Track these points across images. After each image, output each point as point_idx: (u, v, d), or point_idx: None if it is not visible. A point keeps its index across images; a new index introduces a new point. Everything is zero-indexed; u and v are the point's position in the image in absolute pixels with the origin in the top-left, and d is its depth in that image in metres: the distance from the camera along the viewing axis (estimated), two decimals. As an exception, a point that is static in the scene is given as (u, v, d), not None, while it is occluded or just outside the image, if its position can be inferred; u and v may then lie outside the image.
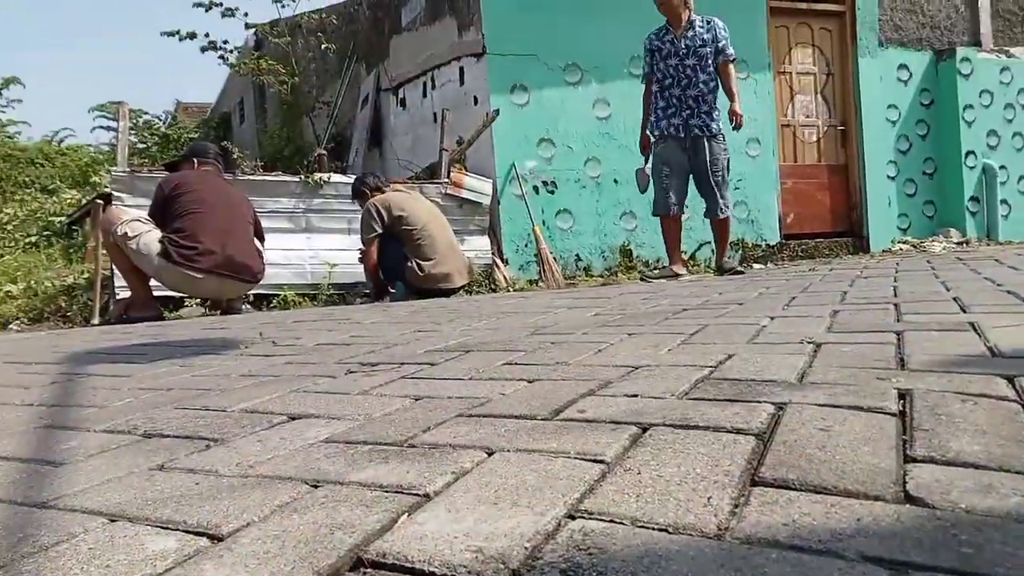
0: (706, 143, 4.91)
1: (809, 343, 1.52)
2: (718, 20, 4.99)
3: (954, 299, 2.15)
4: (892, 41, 7.57)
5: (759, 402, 1.04)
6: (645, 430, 0.95)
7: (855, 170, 7.50)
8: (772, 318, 1.99)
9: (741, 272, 5.05)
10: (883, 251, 7.27)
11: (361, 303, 4.97)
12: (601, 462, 0.84)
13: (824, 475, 0.75)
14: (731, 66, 4.96)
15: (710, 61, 4.92)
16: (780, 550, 0.59)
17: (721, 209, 4.98)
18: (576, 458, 0.86)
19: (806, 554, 0.58)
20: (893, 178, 7.59)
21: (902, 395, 1.03)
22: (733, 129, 4.98)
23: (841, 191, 7.55)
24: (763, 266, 6.62)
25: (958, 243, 7.25)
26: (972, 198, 7.63)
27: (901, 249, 7.22)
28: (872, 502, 0.68)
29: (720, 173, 4.96)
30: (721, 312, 2.26)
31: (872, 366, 1.25)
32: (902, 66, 7.61)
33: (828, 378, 1.17)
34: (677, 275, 4.93)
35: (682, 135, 4.93)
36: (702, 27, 4.95)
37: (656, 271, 5.36)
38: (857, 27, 7.36)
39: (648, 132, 5.10)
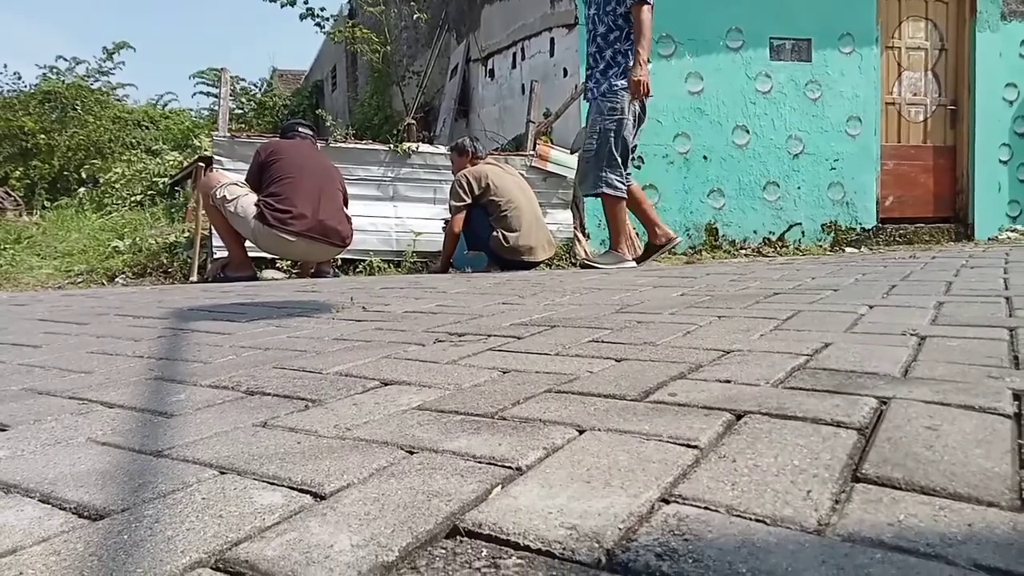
0: (592, 106, 4.10)
1: (912, 335, 1.46)
2: None
3: (1073, 295, 2.02)
4: (1016, 14, 7.04)
5: (860, 395, 1.01)
6: (739, 417, 0.94)
7: (964, 152, 7.07)
8: (871, 307, 1.91)
9: (595, 267, 4.13)
10: (989, 239, 6.85)
11: (428, 273, 5.05)
12: (695, 447, 0.83)
13: (932, 476, 0.72)
14: (639, 8, 3.88)
15: (611, 7, 4.03)
16: (885, 551, 0.58)
17: (593, 185, 4.13)
18: (669, 442, 0.85)
19: (913, 557, 0.56)
20: (1006, 162, 7.12)
21: (1017, 396, 0.98)
22: (633, 99, 4.02)
23: (947, 174, 7.14)
24: (857, 250, 6.36)
25: (1075, 233, 6.77)
26: (1095, 185, 7.10)
27: (1009, 238, 6.79)
28: (985, 508, 0.65)
29: (592, 140, 4.07)
30: (815, 298, 2.18)
31: (983, 363, 1.18)
32: (1025, 41, 7.09)
33: (935, 374, 1.12)
34: (621, 260, 4.28)
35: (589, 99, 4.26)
36: None
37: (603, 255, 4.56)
38: (977, -1, 6.88)
39: None
